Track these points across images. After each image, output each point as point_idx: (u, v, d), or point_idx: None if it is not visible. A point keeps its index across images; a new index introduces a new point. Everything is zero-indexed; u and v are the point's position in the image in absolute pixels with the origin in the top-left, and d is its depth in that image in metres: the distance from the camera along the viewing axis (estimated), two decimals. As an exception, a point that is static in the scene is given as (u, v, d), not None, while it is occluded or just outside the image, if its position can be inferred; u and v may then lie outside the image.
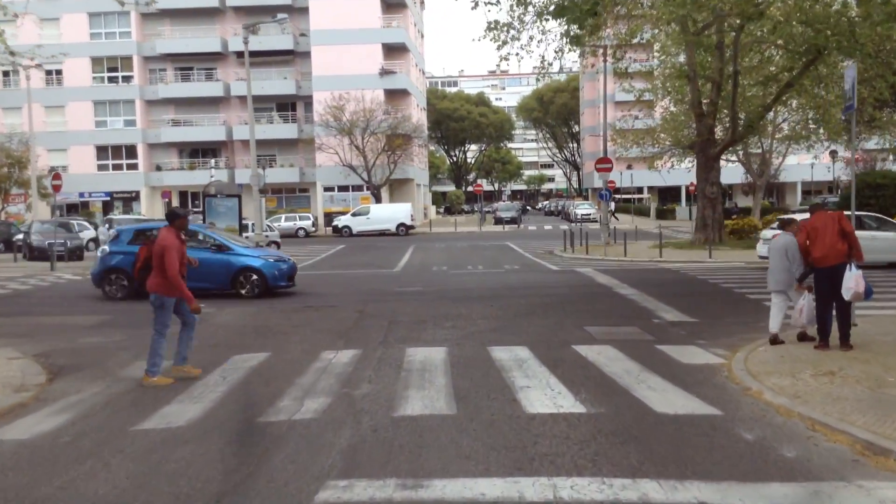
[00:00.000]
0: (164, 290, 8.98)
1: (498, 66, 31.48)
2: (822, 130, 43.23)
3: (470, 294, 17.81)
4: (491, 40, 32.29)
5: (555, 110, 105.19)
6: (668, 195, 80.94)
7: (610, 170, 29.98)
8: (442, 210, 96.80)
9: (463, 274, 23.55)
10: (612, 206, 62.78)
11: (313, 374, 9.22)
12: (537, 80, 32.19)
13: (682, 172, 78.10)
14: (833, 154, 57.43)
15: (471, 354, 10.29)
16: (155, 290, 9.02)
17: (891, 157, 49.60)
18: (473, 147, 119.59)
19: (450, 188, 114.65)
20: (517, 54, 32.05)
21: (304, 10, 57.63)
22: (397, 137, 52.78)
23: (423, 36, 71.51)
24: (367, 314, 14.69)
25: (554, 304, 15.66)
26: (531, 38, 32.20)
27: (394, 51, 59.12)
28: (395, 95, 57.13)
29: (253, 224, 32.97)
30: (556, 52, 32.60)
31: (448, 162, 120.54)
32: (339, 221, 49.60)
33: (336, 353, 10.53)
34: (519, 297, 16.69)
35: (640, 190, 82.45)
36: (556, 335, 11.82)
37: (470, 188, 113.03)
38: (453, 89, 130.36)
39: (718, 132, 35.33)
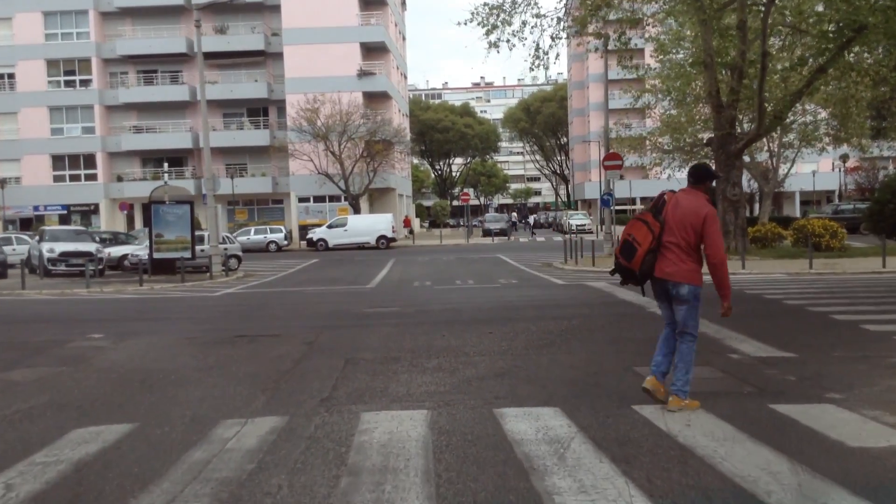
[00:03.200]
0: (699, 279, 6.64)
1: (487, 53, 27.62)
2: (839, 131, 39.74)
3: (460, 316, 13.63)
4: (478, 24, 28.56)
5: (542, 120, 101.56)
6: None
7: (620, 167, 25.93)
8: (426, 224, 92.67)
9: (450, 290, 19.38)
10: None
11: (180, 476, 4.97)
12: (531, 69, 27.59)
13: (676, 182, 75.04)
14: (844, 158, 53.97)
15: (469, 426, 6.08)
16: (689, 279, 6.58)
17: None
18: (459, 161, 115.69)
19: (435, 202, 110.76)
20: (508, 41, 27.79)
21: (276, 9, 53.62)
22: (377, 143, 48.67)
23: (404, 38, 67.64)
24: (317, 348, 10.46)
25: (576, 329, 11.51)
26: (524, 23, 28.44)
27: (373, 51, 55.13)
28: (375, 98, 53.10)
29: (207, 235, 28.65)
30: (552, 37, 28.45)
31: (433, 175, 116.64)
32: (314, 234, 45.33)
33: (243, 425, 6.30)
34: (527, 321, 12.52)
35: (633, 201, 78.84)
36: (597, 384, 7.69)
37: (456, 202, 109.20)
38: (437, 102, 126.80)
39: (739, 126, 31.54)
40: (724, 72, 28.49)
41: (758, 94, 25.44)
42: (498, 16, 27.91)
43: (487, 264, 29.72)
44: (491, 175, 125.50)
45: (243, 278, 26.48)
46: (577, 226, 50.68)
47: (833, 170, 72.66)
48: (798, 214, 61.96)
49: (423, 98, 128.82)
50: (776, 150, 44.39)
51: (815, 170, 67.14)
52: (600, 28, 28.84)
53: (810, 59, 25.12)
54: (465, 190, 54.86)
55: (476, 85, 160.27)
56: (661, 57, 38.00)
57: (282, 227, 46.41)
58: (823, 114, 40.23)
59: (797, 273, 20.76)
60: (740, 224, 27.56)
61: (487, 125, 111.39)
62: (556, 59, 30.82)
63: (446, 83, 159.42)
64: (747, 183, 53.77)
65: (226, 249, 29.90)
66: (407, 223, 66.14)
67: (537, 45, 28.92)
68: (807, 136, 42.36)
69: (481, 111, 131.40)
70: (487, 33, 28.05)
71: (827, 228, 25.90)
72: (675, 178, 52.15)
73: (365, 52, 54.36)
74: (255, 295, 20.11)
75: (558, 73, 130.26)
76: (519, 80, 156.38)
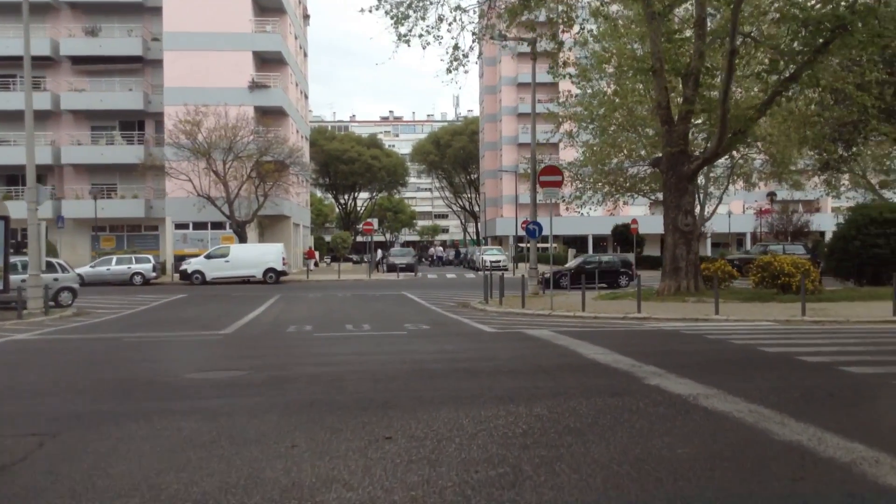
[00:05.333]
0: None
1: (396, 47, 22.98)
2: (774, 166, 36.53)
3: (339, 392, 8.05)
4: (385, 13, 23.59)
5: (452, 154, 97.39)
6: (573, 244, 73.90)
7: (559, 184, 20.96)
8: (328, 258, 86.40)
9: (336, 340, 13.75)
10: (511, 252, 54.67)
11: None
12: (448, 70, 22.31)
13: (588, 220, 71.76)
14: (772, 196, 51.30)
15: None
16: None
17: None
18: (365, 195, 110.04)
19: (335, 234, 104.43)
20: (421, 35, 22.81)
21: (157, 11, 47.21)
22: (268, 163, 42.62)
23: (306, 55, 62.05)
24: None
25: (552, 432, 6.10)
26: (441, 18, 23.61)
27: (268, 62, 49.29)
28: (269, 115, 47.13)
29: (24, 262, 22.10)
30: (473, 34, 23.57)
31: (337, 210, 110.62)
32: (189, 265, 38.70)
33: None
34: (454, 405, 7.08)
35: (545, 239, 75.04)
36: None
37: (361, 237, 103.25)
38: (344, 133, 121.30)
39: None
40: (673, 80, 24.21)
41: (721, 102, 21.06)
42: (409, 4, 23.03)
43: (391, 303, 24.23)
44: (398, 211, 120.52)
45: (70, 317, 20.11)
46: (491, 262, 45.79)
47: (743, 212, 71.01)
48: (710, 255, 59.24)
49: (330, 129, 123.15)
50: (704, 185, 40.95)
51: (730, 211, 65.03)
52: (532, 22, 24.23)
53: (782, 64, 20.98)
54: (369, 220, 49.07)
55: (385, 119, 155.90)
56: (584, 83, 34.17)
57: (150, 257, 39.50)
58: (759, 156, 37.15)
59: (788, 321, 16.13)
60: (693, 260, 23.07)
61: (395, 158, 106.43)
62: (478, 58, 25.12)
63: (354, 116, 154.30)
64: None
65: (56, 280, 23.34)
66: (311, 255, 60.01)
67: (456, 44, 24.04)
68: (737, 171, 39.12)
69: (390, 145, 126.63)
70: (396, 23, 23.08)
71: (798, 267, 21.68)
72: (590, 214, 48.51)
73: (259, 62, 48.50)
74: (49, 344, 13.93)
75: (468, 110, 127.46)
76: (429, 115, 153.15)
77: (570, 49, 30.25)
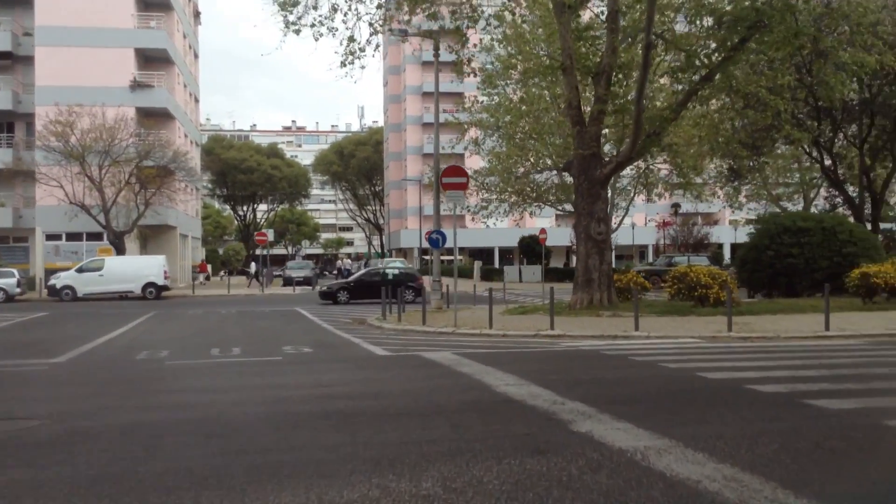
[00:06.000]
0: None
1: (284, 36, 20.49)
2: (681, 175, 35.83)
3: (152, 453, 5.68)
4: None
5: (356, 164, 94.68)
6: (479, 257, 72.62)
7: (465, 186, 18.86)
8: (224, 272, 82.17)
9: (191, 370, 11.23)
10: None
11: None
12: (343, 64, 20.01)
13: (495, 232, 70.53)
14: (676, 207, 51.06)
15: None
16: None
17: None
18: (265, 207, 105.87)
19: (227, 246, 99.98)
20: (313, 26, 20.56)
21: (29, 3, 43.04)
22: (150, 168, 39.14)
23: (197, 56, 58.44)
24: None
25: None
26: (335, 7, 21.58)
27: (153, 61, 45.72)
28: (153, 116, 43.55)
29: None
30: (371, 25, 21.43)
31: (235, 222, 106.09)
32: (58, 280, 34.84)
33: None
34: (309, 476, 4.86)
35: (451, 251, 73.47)
36: None
37: (259, 251, 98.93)
38: (243, 142, 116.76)
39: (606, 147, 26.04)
40: (584, 79, 22.70)
41: (636, 101, 19.59)
42: (298, -11, 20.91)
43: (279, 321, 21.69)
44: (301, 223, 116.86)
45: None
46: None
47: (645, 224, 71.35)
48: (615, 267, 58.80)
49: (229, 138, 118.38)
50: (612, 196, 40.03)
51: (633, 223, 65.00)
52: (435, 14, 22.30)
53: (697, 61, 19.69)
54: (262, 231, 46.00)
55: (287, 129, 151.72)
56: (489, 90, 32.75)
57: (14, 271, 35.41)
58: (665, 165, 36.52)
59: (715, 337, 14.55)
60: (606, 271, 21.49)
61: (297, 168, 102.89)
62: (375, 50, 22.93)
63: (255, 125, 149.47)
64: (572, 235, 49.54)
65: None
66: (203, 268, 56.28)
67: (352, 35, 21.89)
68: (644, 181, 38.35)
69: (292, 155, 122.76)
70: (283, 7, 20.83)
71: (714, 278, 20.38)
72: (496, 225, 47.03)
73: (142, 60, 44.91)
74: None
75: (373, 121, 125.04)
76: (333, 125, 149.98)
77: (474, 46, 28.65)
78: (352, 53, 21.67)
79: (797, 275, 23.83)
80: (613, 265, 59.28)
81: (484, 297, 32.74)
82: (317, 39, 21.98)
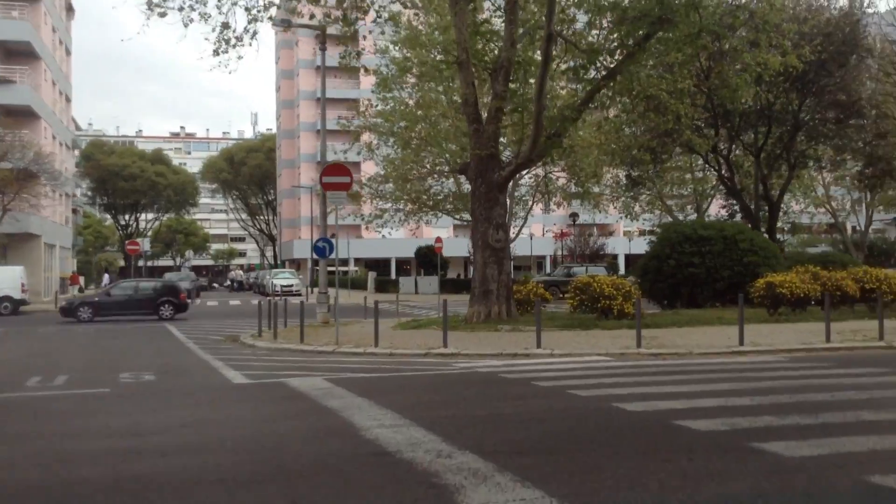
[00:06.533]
0: None
1: (147, 19, 18.55)
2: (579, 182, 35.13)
3: None
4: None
5: (247, 172, 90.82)
6: (375, 267, 70.61)
7: (348, 186, 16.77)
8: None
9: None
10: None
11: None
12: (216, 52, 17.70)
13: (391, 242, 68.63)
14: (574, 217, 50.42)
15: None
16: None
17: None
18: (150, 216, 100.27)
19: (100, 256, 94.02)
20: (181, 9, 18.24)
21: None
22: (7, 170, 35.29)
23: (69, 53, 54.12)
24: None
25: None
26: (206, -11, 19.39)
27: (15, 55, 41.64)
28: (14, 115, 39.48)
29: None
30: (248, 11, 19.23)
31: (118, 232, 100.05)
32: None
33: None
34: None
35: (345, 262, 71.10)
36: None
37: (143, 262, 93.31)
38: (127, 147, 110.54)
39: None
40: (481, 75, 21.18)
41: (536, 97, 18.11)
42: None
43: (138, 339, 19.09)
44: (189, 233, 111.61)
45: None
46: (282, 287, 41.03)
47: (543, 235, 71.14)
48: (513, 278, 58.02)
49: (112, 143, 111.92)
50: (510, 205, 38.85)
51: (531, 233, 64.47)
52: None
53: (600, 58, 18.42)
54: (135, 240, 42.50)
55: (175, 135, 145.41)
56: (384, 94, 31.00)
57: None
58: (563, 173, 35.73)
59: (624, 354, 13.09)
60: (505, 281, 19.92)
61: (184, 175, 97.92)
62: (252, 39, 20.73)
63: (140, 131, 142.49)
64: (467, 244, 48.10)
65: None
66: (74, 280, 51.92)
67: (226, 22, 19.68)
68: (543, 189, 37.35)
69: (180, 163, 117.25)
70: (142, -16, 18.43)
71: (619, 289, 19.12)
72: (391, 235, 45.15)
73: (2, 53, 40.81)
74: None
75: (267, 128, 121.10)
76: (224, 132, 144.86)
77: (370, 51, 26.97)
78: (226, 41, 19.48)
79: (699, 285, 22.96)
80: (512, 275, 57.99)
81: (380, 310, 30.80)
82: (186, 25, 19.58)
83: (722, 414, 7.14)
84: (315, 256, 23.23)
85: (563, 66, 20.86)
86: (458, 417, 7.19)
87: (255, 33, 20.02)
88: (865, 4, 25.56)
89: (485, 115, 20.24)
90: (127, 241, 43.52)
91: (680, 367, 11.40)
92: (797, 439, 6.01)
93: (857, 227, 49.99)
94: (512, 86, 19.85)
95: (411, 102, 31.15)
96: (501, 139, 25.95)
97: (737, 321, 14.29)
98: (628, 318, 18.22)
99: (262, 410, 8.13)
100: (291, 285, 44.58)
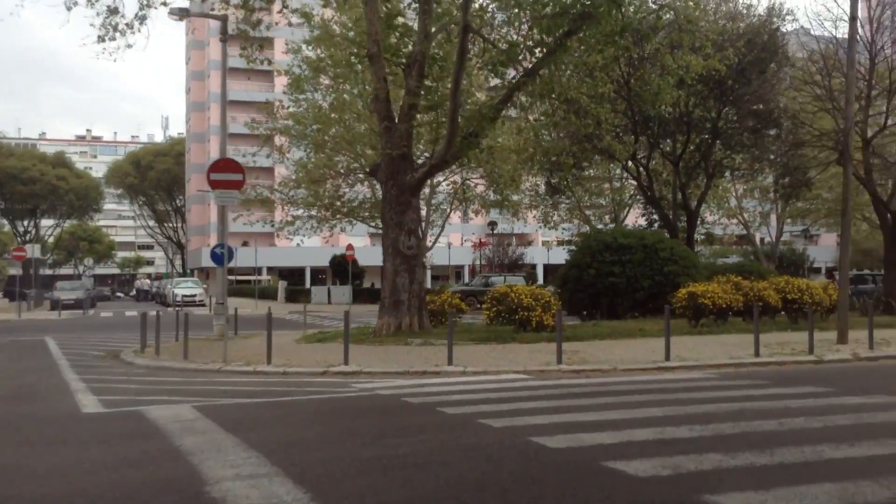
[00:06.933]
0: None
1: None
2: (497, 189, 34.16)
3: None
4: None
5: (154, 177, 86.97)
6: (291, 277, 68.34)
7: (239, 184, 15.03)
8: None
9: None
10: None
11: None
12: (100, 39, 15.81)
13: (306, 250, 66.47)
14: (493, 225, 49.54)
15: None
16: None
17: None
18: (51, 221, 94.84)
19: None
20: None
21: None
22: None
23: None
24: None
25: None
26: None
27: None
28: None
29: None
30: (139, -3, 17.42)
31: (16, 239, 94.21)
32: None
33: None
34: None
35: (259, 270, 68.57)
36: None
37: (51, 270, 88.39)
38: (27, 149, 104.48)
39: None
40: (395, 69, 19.80)
41: (452, 93, 16.84)
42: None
43: (2, 354, 16.89)
44: (94, 240, 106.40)
45: None
46: (184, 296, 38.61)
47: (462, 244, 70.31)
48: (430, 288, 57.02)
49: (13, 145, 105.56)
50: (427, 213, 37.61)
51: (449, 243, 63.44)
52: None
53: (520, 53, 17.31)
54: (21, 246, 39.37)
55: (80, 138, 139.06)
56: (296, 95, 29.47)
57: None
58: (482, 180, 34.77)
59: (543, 371, 11.86)
60: (417, 291, 18.56)
61: (87, 179, 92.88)
62: (140, 25, 18.76)
63: (44, 133, 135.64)
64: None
65: None
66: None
67: (115, 7, 17.87)
68: (461, 196, 36.21)
69: (85, 167, 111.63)
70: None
71: (538, 299, 18.00)
72: (304, 243, 43.29)
73: None
74: None
75: (178, 133, 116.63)
76: (133, 136, 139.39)
77: (269, 27, 25.25)
78: (114, 27, 17.69)
79: (619, 295, 22.14)
80: (429, 285, 56.95)
81: (286, 322, 28.99)
82: (69, 9, 17.70)
83: (660, 451, 5.92)
84: (213, 264, 21.34)
85: (481, 65, 19.74)
86: (341, 462, 5.74)
87: (144, 18, 18.26)
88: (784, 12, 25.38)
89: (398, 113, 18.90)
90: (13, 248, 40.23)
91: (604, 386, 10.23)
92: (759, 488, 4.80)
93: (767, 239, 50.81)
94: (427, 82, 18.58)
95: (325, 104, 29.66)
96: (421, 144, 24.71)
97: (659, 333, 13.29)
98: (548, 330, 17.13)
99: (94, 453, 6.47)
100: (194, 295, 42.10)
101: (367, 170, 23.13)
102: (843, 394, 8.99)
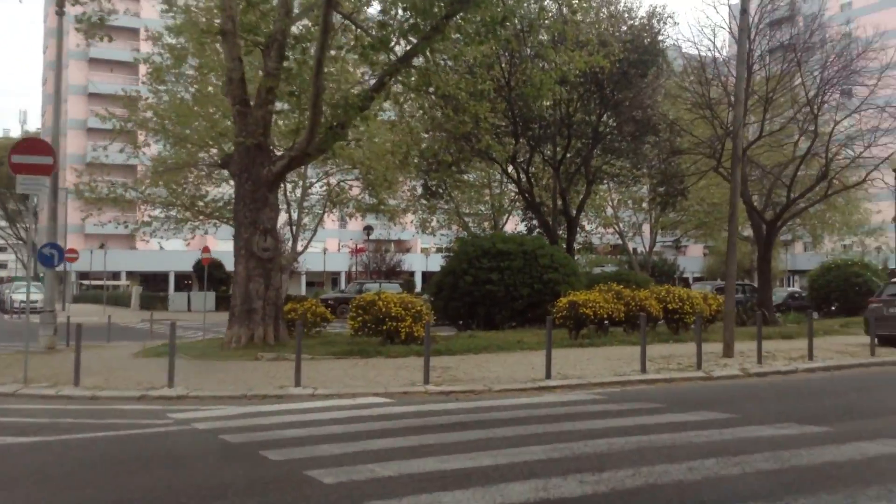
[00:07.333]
0: None
1: None
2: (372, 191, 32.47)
3: None
4: None
5: (5, 173, 79.85)
6: (154, 283, 64.10)
7: (48, 170, 12.25)
8: None
9: None
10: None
11: None
12: None
13: (170, 254, 62.41)
14: (368, 230, 47.58)
15: None
16: None
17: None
18: None
19: None
20: None
21: None
22: None
23: None
24: None
25: None
26: None
27: None
28: None
29: None
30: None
31: None
32: None
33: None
34: None
35: (116, 275, 63.95)
36: None
37: None
38: None
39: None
40: (250, 49, 17.67)
41: (314, 76, 14.93)
42: None
43: None
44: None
45: None
46: (21, 301, 34.63)
47: (339, 250, 68.19)
48: (305, 295, 54.70)
49: None
50: (298, 216, 35.30)
51: (325, 248, 61.12)
52: None
53: (393, 38, 15.61)
54: None
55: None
56: (155, 87, 26.77)
57: None
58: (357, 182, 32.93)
59: (407, 394, 10.15)
60: (274, 299, 16.49)
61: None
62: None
63: None
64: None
65: None
66: None
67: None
68: (334, 198, 34.19)
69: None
70: None
71: (408, 308, 16.29)
72: (163, 246, 40.13)
73: None
74: None
75: (37, 128, 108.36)
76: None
77: (138, 9, 22.60)
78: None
79: (497, 303, 20.81)
80: (304, 293, 54.15)
81: (135, 331, 26.10)
82: None
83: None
84: (43, 266, 18.44)
85: (349, 49, 17.91)
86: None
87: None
88: (666, 15, 24.88)
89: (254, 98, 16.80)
90: None
91: (476, 413, 8.62)
92: None
93: (640, 249, 51.26)
94: (287, 64, 16.56)
95: (188, 96, 27.04)
96: (291, 140, 22.61)
97: (539, 346, 11.89)
98: (418, 342, 15.45)
99: None
100: (36, 301, 37.96)
101: (219, 161, 20.75)
102: (749, 422, 7.73)
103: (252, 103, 16.53)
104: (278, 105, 18.36)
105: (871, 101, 23.59)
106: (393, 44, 16.07)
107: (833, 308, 29.79)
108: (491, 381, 11.08)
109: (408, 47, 16.21)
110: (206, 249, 26.89)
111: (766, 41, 24.59)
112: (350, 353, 14.40)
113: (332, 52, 17.29)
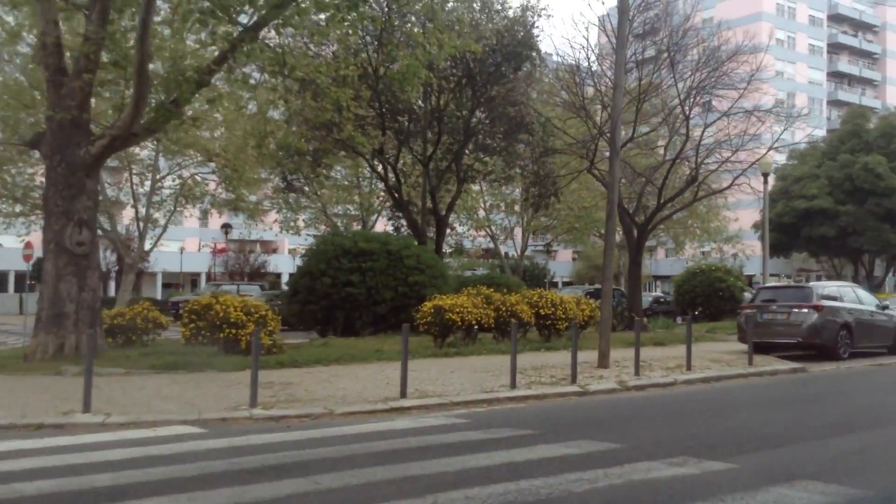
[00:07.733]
0: None
1: None
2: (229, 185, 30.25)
3: None
4: None
5: None
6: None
7: None
8: None
9: None
10: None
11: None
12: None
13: (9, 252, 56.72)
14: (227, 228, 44.44)
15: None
16: None
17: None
18: None
19: None
20: None
21: None
22: None
23: None
24: None
25: None
26: None
27: None
28: None
29: None
30: None
31: None
32: None
33: None
34: None
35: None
36: None
37: None
38: None
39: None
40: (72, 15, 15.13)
41: (138, 42, 12.67)
42: None
43: None
44: None
45: None
46: None
47: (199, 250, 64.40)
48: (160, 297, 51.03)
49: None
50: (146, 211, 32.37)
51: (182, 248, 57.29)
52: None
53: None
54: None
55: None
56: None
57: None
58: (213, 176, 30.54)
59: (226, 420, 8.20)
60: (90, 301, 14.03)
61: None
62: None
63: None
64: (103, 253, 39.83)
65: None
66: None
67: None
68: (188, 193, 31.52)
69: None
70: None
71: (250, 314, 14.26)
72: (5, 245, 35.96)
73: None
74: None
75: None
76: None
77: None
78: None
79: (358, 308, 19.03)
80: (160, 296, 50.25)
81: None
82: None
83: None
84: None
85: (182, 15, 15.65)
86: None
87: None
88: (540, 8, 23.91)
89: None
90: None
91: (304, 447, 6.82)
92: None
93: (511, 253, 50.74)
94: (113, 27, 14.18)
95: (23, 79, 23.76)
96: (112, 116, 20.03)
97: (399, 355, 10.23)
98: (267, 351, 13.49)
99: None
100: None
101: (26, 141, 17.87)
102: (638, 455, 6.33)
103: (65, 72, 14.05)
104: (106, 77, 15.89)
105: (740, 106, 23.46)
106: (238, 13, 14.09)
107: (696, 313, 29.84)
108: (335, 402, 9.31)
109: (255, 17, 14.26)
110: (28, 245, 23.63)
111: (639, 44, 24.11)
112: (174, 367, 12.23)
113: (163, 17, 15.07)
